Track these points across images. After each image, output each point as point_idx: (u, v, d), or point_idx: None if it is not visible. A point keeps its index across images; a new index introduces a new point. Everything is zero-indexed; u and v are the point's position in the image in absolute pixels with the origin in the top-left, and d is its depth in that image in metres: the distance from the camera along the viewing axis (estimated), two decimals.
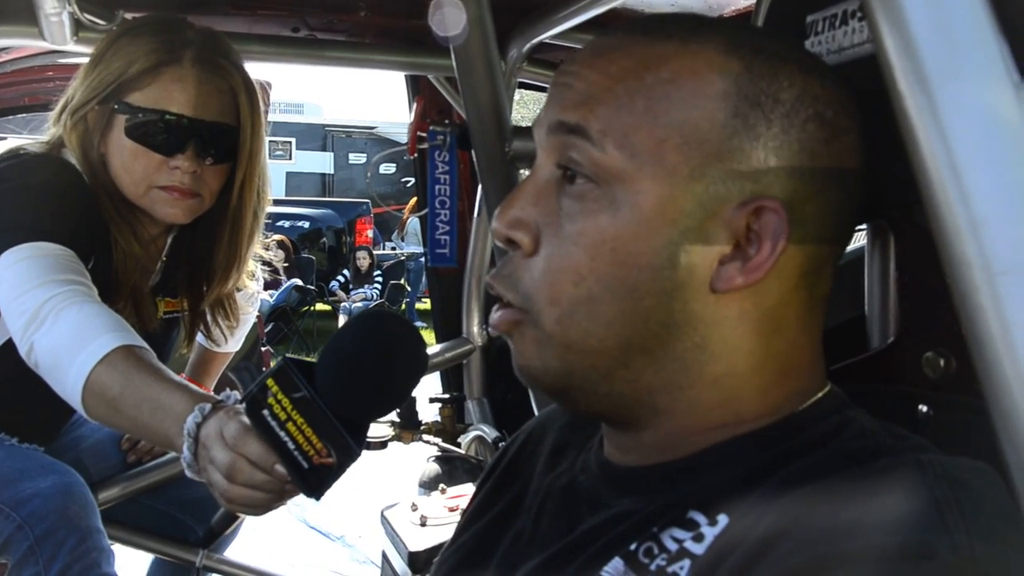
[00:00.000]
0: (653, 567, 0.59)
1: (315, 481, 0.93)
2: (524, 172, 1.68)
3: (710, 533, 0.58)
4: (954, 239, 0.52)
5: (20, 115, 2.67)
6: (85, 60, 1.48)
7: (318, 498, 0.95)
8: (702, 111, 0.61)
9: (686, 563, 0.58)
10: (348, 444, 0.90)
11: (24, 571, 1.43)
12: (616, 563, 0.61)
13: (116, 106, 1.40)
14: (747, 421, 0.64)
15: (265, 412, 0.92)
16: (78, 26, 1.50)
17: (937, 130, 0.51)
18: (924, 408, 0.72)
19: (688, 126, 0.61)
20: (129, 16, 1.56)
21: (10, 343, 1.27)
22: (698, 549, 0.58)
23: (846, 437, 0.61)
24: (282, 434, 0.91)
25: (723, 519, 0.59)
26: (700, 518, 0.60)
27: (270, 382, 0.91)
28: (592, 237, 0.62)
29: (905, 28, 0.51)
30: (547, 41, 1.74)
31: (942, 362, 0.71)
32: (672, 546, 0.59)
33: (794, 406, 0.64)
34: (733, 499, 0.59)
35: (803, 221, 0.62)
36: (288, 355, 0.92)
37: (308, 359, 0.93)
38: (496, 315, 0.68)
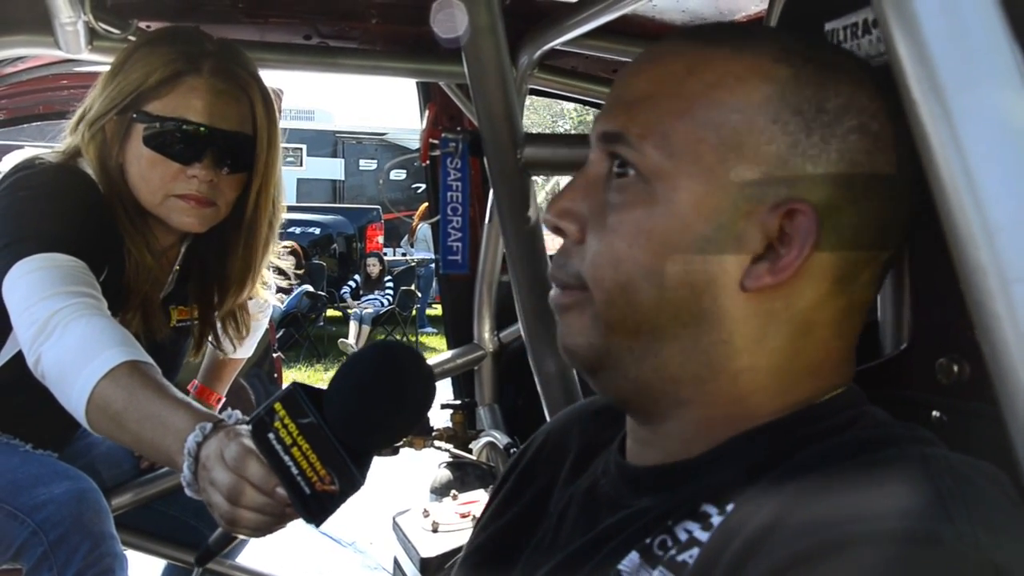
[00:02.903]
0: (666, 558, 0.60)
1: (316, 507, 0.93)
2: (536, 179, 1.68)
3: (718, 521, 0.60)
4: (969, 246, 0.52)
5: (35, 123, 2.69)
6: (100, 69, 1.49)
7: (318, 525, 0.94)
8: (741, 115, 0.63)
9: (695, 551, 0.59)
10: (352, 473, 0.90)
11: None
12: (632, 557, 0.62)
13: (134, 115, 1.42)
14: (762, 416, 0.65)
15: (271, 435, 0.91)
16: (93, 35, 1.51)
17: (952, 137, 0.51)
18: (937, 414, 0.72)
19: (726, 129, 0.63)
20: (143, 25, 1.58)
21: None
22: (705, 536, 0.59)
23: (858, 428, 0.62)
24: (286, 458, 0.91)
25: (731, 508, 0.60)
26: (711, 509, 0.61)
27: (278, 406, 0.91)
28: (630, 227, 0.65)
29: (919, 36, 0.51)
30: (558, 48, 1.74)
31: (955, 368, 0.71)
32: (684, 537, 0.61)
33: (812, 400, 0.65)
34: (742, 488, 0.60)
35: (838, 228, 0.63)
36: (297, 381, 0.92)
37: (318, 386, 0.92)
38: (556, 292, 0.70)
